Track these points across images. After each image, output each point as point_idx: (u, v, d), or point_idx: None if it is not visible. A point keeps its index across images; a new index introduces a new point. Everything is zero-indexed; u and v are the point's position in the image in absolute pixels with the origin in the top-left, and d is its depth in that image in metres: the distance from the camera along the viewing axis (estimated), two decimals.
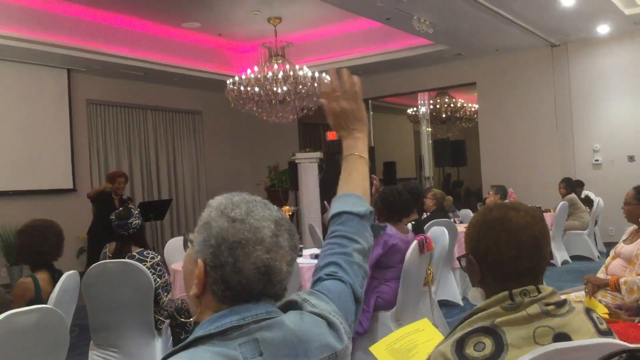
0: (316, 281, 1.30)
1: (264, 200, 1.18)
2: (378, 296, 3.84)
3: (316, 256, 4.50)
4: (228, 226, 1.10)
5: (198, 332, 1.08)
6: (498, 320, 1.37)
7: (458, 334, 1.39)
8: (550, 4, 7.40)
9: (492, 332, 1.36)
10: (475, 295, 1.51)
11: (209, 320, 1.09)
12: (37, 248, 3.14)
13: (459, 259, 1.60)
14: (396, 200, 4.00)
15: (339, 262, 1.31)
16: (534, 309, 1.38)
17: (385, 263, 3.85)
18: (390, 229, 3.86)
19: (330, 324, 1.18)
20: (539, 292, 1.42)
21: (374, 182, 3.78)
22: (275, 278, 1.11)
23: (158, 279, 3.77)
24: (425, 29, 7.59)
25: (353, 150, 1.48)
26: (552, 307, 1.39)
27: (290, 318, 1.13)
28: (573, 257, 8.09)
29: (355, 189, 1.43)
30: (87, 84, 9.36)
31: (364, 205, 1.39)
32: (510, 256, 1.45)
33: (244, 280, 1.08)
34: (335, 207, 1.40)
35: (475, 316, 1.42)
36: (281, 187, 10.79)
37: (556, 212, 7.80)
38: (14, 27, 7.41)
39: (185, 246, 1.20)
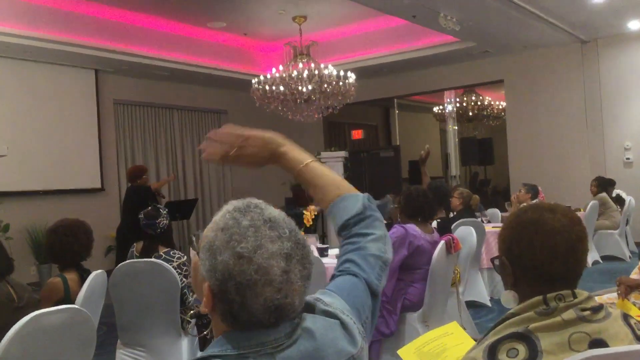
0: (330, 279, 1.28)
1: (278, 221, 1.08)
2: (405, 298, 3.79)
3: None
4: (234, 263, 1.02)
5: (214, 349, 1.04)
6: (532, 325, 1.33)
7: (490, 339, 1.36)
8: None
9: (525, 338, 1.32)
10: (508, 298, 1.46)
11: (225, 336, 1.06)
12: (68, 247, 3.17)
13: (492, 260, 1.55)
14: (420, 200, 3.93)
15: (352, 258, 1.28)
16: (569, 314, 1.33)
17: (411, 264, 3.80)
18: (415, 230, 3.80)
19: (344, 325, 1.14)
20: (575, 296, 1.37)
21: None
22: (288, 312, 1.05)
23: (184, 279, 3.78)
24: (452, 26, 7.51)
25: (297, 165, 1.39)
26: (588, 312, 1.35)
27: (305, 327, 1.09)
28: (604, 258, 7.94)
29: (336, 191, 1.37)
30: (114, 85, 9.47)
31: (357, 200, 1.34)
32: (544, 260, 1.40)
33: (253, 318, 1.03)
34: (336, 222, 1.35)
35: (508, 321, 1.38)
36: (306, 187, 10.78)
37: (586, 211, 7.66)
38: (43, 29, 7.51)
39: (190, 245, 1.16)
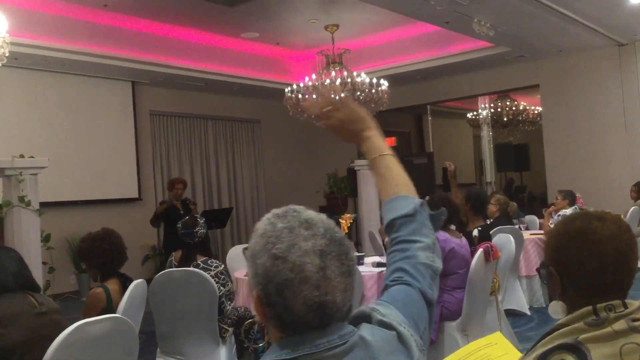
0: (383, 290, 1.26)
1: (313, 221, 1.09)
2: (443, 306, 3.76)
3: (378, 264, 4.45)
4: (270, 265, 1.04)
5: (270, 356, 1.06)
6: (582, 336, 1.30)
7: (539, 350, 1.33)
8: (617, 1, 7.13)
9: (575, 349, 1.29)
10: (556, 309, 1.43)
11: (279, 344, 1.07)
12: (96, 260, 3.21)
13: (538, 270, 1.53)
14: (444, 207, 3.90)
15: (403, 266, 1.26)
16: (620, 324, 1.30)
17: (445, 270, 3.76)
18: (443, 234, 3.79)
19: (400, 337, 1.14)
20: (626, 307, 1.34)
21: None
22: (331, 310, 1.05)
23: (222, 288, 3.80)
24: (486, 31, 7.44)
25: (373, 153, 1.42)
26: (639, 322, 1.31)
27: (362, 336, 1.09)
28: None
29: (395, 189, 1.38)
30: (150, 96, 9.63)
31: (411, 203, 1.33)
32: (593, 269, 1.37)
33: (298, 319, 1.04)
34: (385, 217, 1.35)
35: (556, 332, 1.35)
36: (340, 194, 10.78)
37: (627, 217, 7.47)
38: (81, 43, 7.70)
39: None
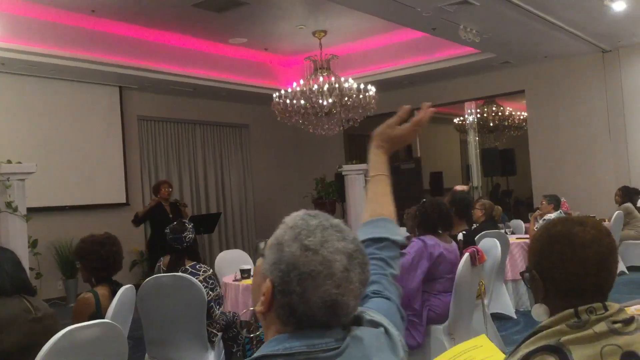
0: (363, 298, 1.30)
1: (342, 227, 1.14)
2: (429, 309, 3.79)
3: None
4: (300, 254, 1.07)
5: (265, 350, 1.08)
6: (564, 338, 1.34)
7: (521, 352, 1.36)
8: (601, 9, 7.22)
9: (557, 350, 1.32)
10: (539, 312, 1.47)
11: (276, 339, 1.09)
12: (90, 263, 3.21)
13: (521, 274, 1.56)
14: (435, 214, 3.94)
15: (382, 281, 1.33)
16: (601, 327, 1.34)
17: (434, 274, 3.81)
18: (432, 239, 3.83)
19: (388, 333, 1.19)
20: (606, 309, 1.38)
21: None
22: (341, 312, 1.09)
23: (210, 292, 3.82)
24: (472, 37, 7.51)
25: (382, 170, 1.50)
26: (619, 324, 1.35)
27: (354, 335, 1.12)
28: (630, 268, 7.84)
29: (390, 214, 1.46)
30: (138, 101, 9.61)
31: (401, 235, 1.43)
32: (575, 272, 1.41)
33: (309, 312, 1.07)
34: (375, 231, 1.42)
35: (539, 334, 1.38)
36: (328, 199, 10.81)
37: (611, 221, 7.57)
38: (68, 48, 7.68)
39: (257, 255, 1.21)
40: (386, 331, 1.19)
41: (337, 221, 1.15)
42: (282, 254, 1.09)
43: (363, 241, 1.37)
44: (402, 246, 1.44)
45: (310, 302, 1.06)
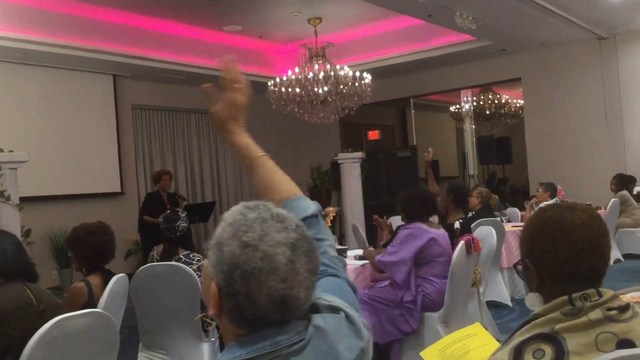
0: None
1: (285, 216, 1.09)
2: (424, 295, 3.78)
3: (360, 257, 4.46)
4: (240, 252, 1.02)
5: (225, 357, 1.03)
6: (558, 326, 1.32)
7: (515, 340, 1.34)
8: None
9: (552, 338, 1.30)
10: (533, 301, 1.45)
11: (236, 344, 1.05)
12: (82, 252, 3.19)
13: (515, 265, 1.54)
14: (420, 203, 3.97)
15: (323, 261, 1.26)
16: (595, 314, 1.32)
17: (427, 256, 3.82)
18: (422, 225, 3.85)
19: (348, 318, 1.15)
20: (600, 295, 1.36)
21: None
22: (293, 306, 1.04)
23: None
24: (468, 24, 7.46)
25: (258, 151, 1.41)
26: (615, 312, 1.33)
27: (316, 325, 1.09)
28: (625, 256, 7.85)
29: (291, 189, 1.39)
30: (132, 89, 9.55)
31: (311, 204, 1.36)
32: (567, 256, 1.39)
33: (258, 311, 1.02)
34: None
35: (533, 322, 1.37)
36: (324, 188, 10.79)
37: (607, 209, 7.57)
38: (61, 36, 7.60)
39: (205, 255, 1.16)
40: (347, 316, 1.14)
41: (278, 210, 1.10)
42: (222, 254, 1.04)
43: None
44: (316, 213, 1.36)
45: (257, 301, 1.01)
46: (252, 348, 1.02)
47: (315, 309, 1.13)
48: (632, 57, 9.18)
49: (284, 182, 1.39)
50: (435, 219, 4.44)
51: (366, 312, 3.63)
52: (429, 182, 5.63)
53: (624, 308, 1.35)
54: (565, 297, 1.36)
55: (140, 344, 3.82)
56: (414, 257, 3.77)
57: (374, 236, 7.45)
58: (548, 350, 1.29)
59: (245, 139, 1.43)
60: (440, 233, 3.93)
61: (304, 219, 1.30)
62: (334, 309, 1.14)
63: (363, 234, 6.74)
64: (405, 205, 4.00)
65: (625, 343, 1.30)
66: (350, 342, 1.11)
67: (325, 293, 1.20)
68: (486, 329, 2.11)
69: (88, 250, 3.16)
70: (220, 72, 1.45)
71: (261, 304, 1.02)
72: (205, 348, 3.75)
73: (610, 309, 1.33)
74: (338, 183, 9.45)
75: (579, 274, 1.39)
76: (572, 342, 1.29)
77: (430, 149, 5.82)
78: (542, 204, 6.38)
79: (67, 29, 7.66)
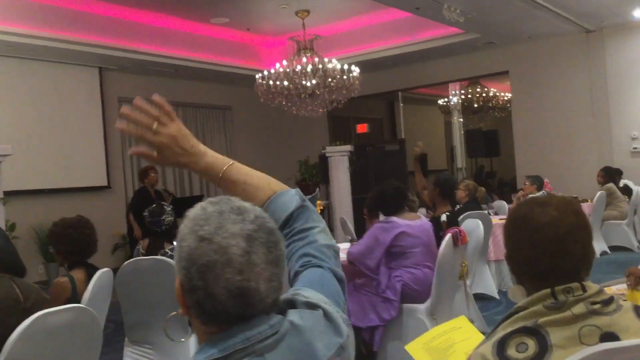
0: (294, 278, 1.24)
1: (245, 208, 1.06)
2: (404, 285, 3.78)
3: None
4: (196, 246, 1.01)
5: (198, 358, 1.01)
6: (541, 320, 1.31)
7: (499, 334, 1.34)
8: None
9: (535, 332, 1.30)
10: (515, 293, 1.45)
11: (207, 343, 1.03)
12: (63, 247, 3.15)
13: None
14: (393, 197, 3.98)
15: (309, 251, 1.25)
16: (579, 308, 1.31)
17: (397, 251, 3.83)
18: (392, 220, 3.85)
19: (327, 315, 1.12)
20: (585, 290, 1.35)
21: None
22: (253, 299, 1.02)
23: None
24: (456, 17, 7.45)
25: (221, 166, 1.33)
26: (598, 305, 1.32)
27: (291, 321, 1.07)
28: (612, 248, 7.90)
29: (269, 188, 1.34)
30: (118, 82, 9.46)
31: (293, 195, 1.32)
32: (530, 255, 1.40)
33: (218, 305, 1.00)
34: (276, 218, 1.28)
35: (516, 315, 1.36)
36: (312, 181, 10.77)
37: (594, 201, 7.61)
38: (46, 28, 7.51)
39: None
40: (325, 312, 1.12)
41: (239, 203, 1.07)
42: (181, 250, 1.03)
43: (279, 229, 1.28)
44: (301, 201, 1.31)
45: (216, 296, 1.00)
46: (223, 346, 1.00)
47: (292, 305, 1.12)
48: (619, 50, 9.21)
49: (259, 186, 1.34)
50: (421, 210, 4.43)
51: (349, 299, 3.64)
52: (416, 175, 5.62)
53: (608, 301, 1.35)
54: (547, 290, 1.35)
55: (126, 339, 3.79)
56: (385, 251, 3.79)
57: (362, 230, 7.45)
58: (531, 343, 1.28)
59: (205, 160, 1.33)
60: (413, 224, 3.89)
61: (290, 215, 1.28)
62: (312, 306, 1.12)
63: (351, 227, 6.74)
64: (382, 204, 4.03)
65: (608, 336, 1.29)
66: (328, 339, 1.09)
67: (305, 287, 1.18)
68: (473, 322, 2.12)
69: (69, 245, 3.12)
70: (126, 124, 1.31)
71: (219, 298, 1.00)
72: (191, 342, 3.72)
73: (594, 303, 1.33)
74: (326, 176, 9.43)
75: (542, 274, 1.39)
76: (555, 336, 1.29)
77: (419, 142, 5.81)
78: (528, 197, 6.42)
79: (52, 21, 7.57)
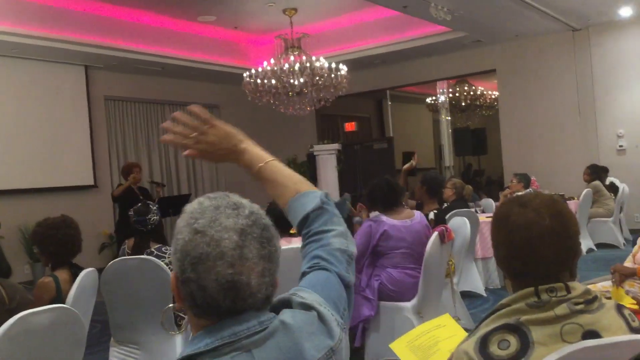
0: (300, 278, 1.26)
1: (242, 204, 1.09)
2: (381, 283, 3.79)
3: None
4: (190, 239, 1.03)
5: (188, 350, 1.03)
6: (524, 318, 1.31)
7: (481, 331, 1.34)
8: None
9: (517, 329, 1.30)
10: (508, 286, 1.50)
11: (199, 335, 1.04)
12: (48, 247, 3.12)
13: None
14: (380, 193, 3.97)
15: (320, 254, 1.27)
16: (562, 309, 1.31)
17: (379, 250, 3.84)
18: (380, 218, 3.85)
19: (321, 317, 1.13)
20: (569, 291, 1.34)
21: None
22: (244, 293, 1.03)
23: None
24: (443, 15, 7.47)
25: (257, 162, 1.39)
26: (581, 305, 1.33)
27: (282, 320, 1.08)
28: (598, 245, 7.95)
29: (295, 187, 1.37)
30: (104, 81, 9.40)
31: (316, 196, 1.34)
32: (503, 256, 1.41)
33: (209, 298, 1.02)
34: (294, 217, 1.34)
35: (498, 312, 1.36)
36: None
37: (580, 199, 7.66)
38: (31, 26, 7.45)
39: None
40: (319, 314, 1.13)
41: (236, 199, 1.10)
42: (177, 243, 1.05)
43: (297, 230, 1.34)
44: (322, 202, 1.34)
45: (207, 288, 1.01)
46: (211, 339, 1.02)
47: (288, 304, 1.13)
48: (605, 48, 9.27)
49: (287, 184, 1.38)
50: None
51: None
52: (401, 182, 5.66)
53: (591, 300, 1.35)
54: (531, 289, 1.35)
55: (112, 339, 3.77)
56: (372, 250, 3.81)
57: (350, 228, 7.45)
58: (513, 340, 1.29)
59: (245, 158, 1.40)
60: (399, 224, 3.86)
61: (307, 215, 1.30)
62: (307, 307, 1.13)
63: None
64: (369, 200, 4.04)
65: (590, 334, 1.30)
66: (318, 341, 1.10)
67: (305, 288, 1.19)
68: (459, 319, 2.13)
69: (53, 246, 3.09)
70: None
71: (210, 290, 1.01)
72: (178, 341, 3.70)
73: (577, 304, 1.33)
74: (314, 175, 9.42)
75: (518, 275, 1.41)
76: (537, 333, 1.29)
77: (415, 156, 5.83)
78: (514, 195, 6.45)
79: (37, 19, 7.50)
